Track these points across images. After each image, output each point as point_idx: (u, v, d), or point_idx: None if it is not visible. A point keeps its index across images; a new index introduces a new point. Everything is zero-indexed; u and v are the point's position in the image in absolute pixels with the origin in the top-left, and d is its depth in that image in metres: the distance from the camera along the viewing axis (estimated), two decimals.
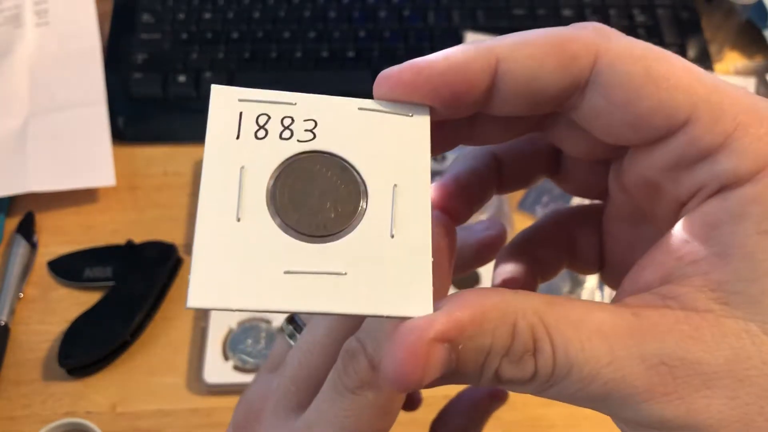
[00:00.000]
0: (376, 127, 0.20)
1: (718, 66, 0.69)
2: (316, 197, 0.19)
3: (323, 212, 0.19)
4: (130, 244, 0.57)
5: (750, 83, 0.65)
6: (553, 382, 0.18)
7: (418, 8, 0.70)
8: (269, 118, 0.20)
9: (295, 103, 0.20)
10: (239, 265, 0.18)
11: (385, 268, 0.18)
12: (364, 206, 0.19)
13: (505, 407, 0.33)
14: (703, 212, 0.19)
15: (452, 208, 0.24)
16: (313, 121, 0.20)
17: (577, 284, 0.56)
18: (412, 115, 0.20)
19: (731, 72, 0.69)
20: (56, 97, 0.63)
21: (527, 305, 0.18)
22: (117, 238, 0.58)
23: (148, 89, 0.66)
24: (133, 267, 0.56)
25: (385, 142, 0.19)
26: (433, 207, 0.21)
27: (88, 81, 0.64)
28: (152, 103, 0.66)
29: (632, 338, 0.18)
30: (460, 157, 0.26)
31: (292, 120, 0.20)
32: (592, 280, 0.56)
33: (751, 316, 0.17)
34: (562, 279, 0.56)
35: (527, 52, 0.19)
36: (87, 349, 0.52)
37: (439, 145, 0.22)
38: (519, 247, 0.27)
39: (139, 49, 0.68)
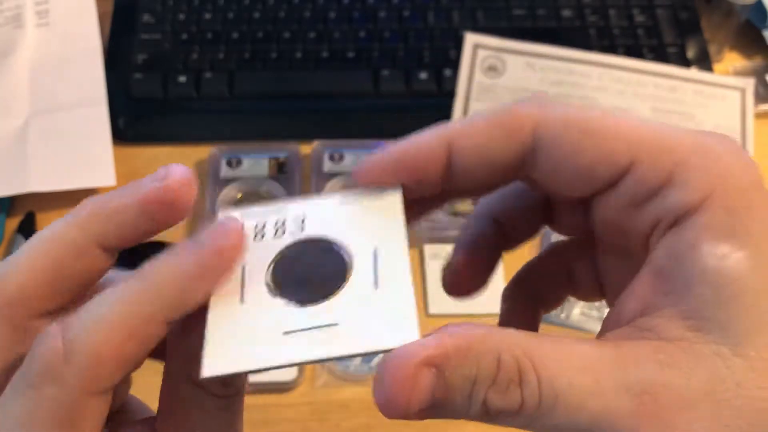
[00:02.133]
0: (357, 210, 0.23)
1: (717, 66, 0.69)
2: (307, 272, 0.22)
3: (314, 282, 0.22)
4: None
5: (749, 83, 0.65)
6: (541, 413, 0.19)
7: (417, 9, 0.71)
8: (265, 224, 0.24)
9: (287, 209, 0.24)
10: (244, 336, 0.21)
11: (373, 312, 0.21)
12: (350, 271, 0.22)
13: None
14: (665, 245, 0.20)
15: (468, 282, 0.27)
16: (302, 218, 0.23)
17: None
18: (384, 194, 0.23)
19: (730, 72, 0.69)
20: (57, 98, 0.64)
21: (512, 339, 0.19)
22: None
23: (149, 89, 0.66)
24: (133, 267, 0.56)
25: (364, 219, 0.23)
26: (451, 282, 0.27)
27: (89, 81, 0.64)
28: (152, 104, 0.66)
29: (616, 369, 0.19)
30: (464, 229, 0.27)
31: (284, 222, 0.23)
32: None
33: (722, 339, 0.19)
34: None
35: (475, 129, 0.22)
36: None
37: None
38: (520, 283, 0.29)
39: (139, 50, 0.68)
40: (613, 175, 0.21)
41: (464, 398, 0.19)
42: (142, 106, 0.66)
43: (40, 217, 0.59)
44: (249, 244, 0.23)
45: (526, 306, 0.28)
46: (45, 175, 0.59)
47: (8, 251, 0.57)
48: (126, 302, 0.21)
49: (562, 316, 0.55)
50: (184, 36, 0.69)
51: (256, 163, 0.61)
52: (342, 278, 0.21)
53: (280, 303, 0.21)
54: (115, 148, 0.61)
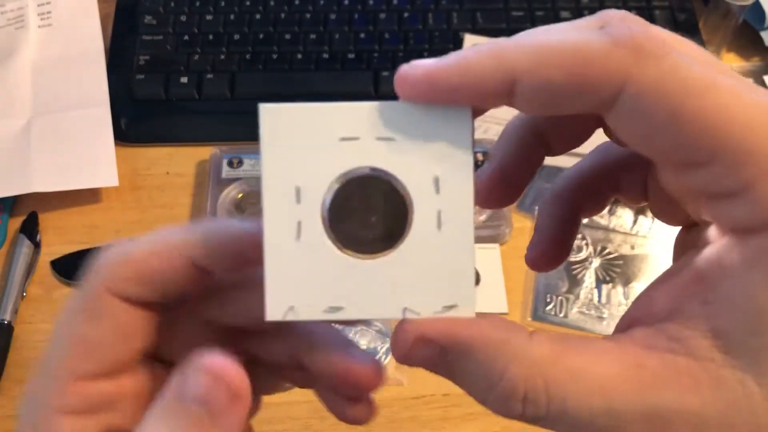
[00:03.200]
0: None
1: None
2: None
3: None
4: None
5: None
6: (545, 423, 0.20)
7: (417, 10, 0.71)
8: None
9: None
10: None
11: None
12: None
13: None
14: (718, 251, 0.19)
15: (500, 196, 0.25)
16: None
17: (575, 284, 0.57)
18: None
19: None
20: (59, 98, 0.64)
21: (530, 354, 0.19)
22: (119, 237, 0.59)
23: (151, 90, 0.66)
24: None
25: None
26: (479, 198, 0.24)
27: (91, 82, 0.65)
28: (154, 104, 0.66)
29: (633, 392, 0.19)
30: (505, 135, 0.25)
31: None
32: (589, 279, 0.57)
33: (748, 367, 0.18)
34: (560, 278, 0.57)
35: (546, 75, 0.19)
36: None
37: (528, 164, 0.24)
38: (564, 190, 0.27)
39: (141, 51, 0.68)
40: (688, 164, 0.19)
41: (466, 384, 0.20)
42: (144, 106, 0.66)
43: (42, 218, 0.60)
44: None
45: (567, 213, 0.26)
46: (48, 175, 0.60)
47: (11, 251, 0.58)
48: (154, 236, 0.23)
49: (561, 315, 0.55)
50: (186, 37, 0.69)
51: (257, 163, 0.62)
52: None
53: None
54: (118, 149, 0.62)
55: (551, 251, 0.26)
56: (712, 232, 0.20)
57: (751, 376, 0.18)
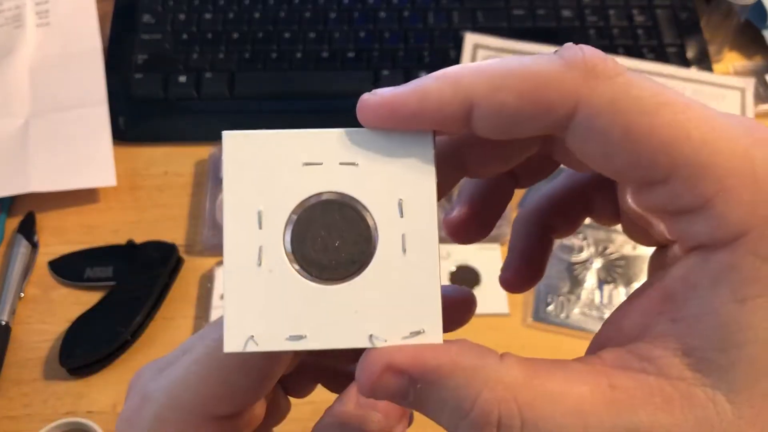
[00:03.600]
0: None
1: (717, 66, 0.69)
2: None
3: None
4: (130, 244, 0.58)
5: (749, 83, 0.66)
6: None
7: (418, 9, 0.71)
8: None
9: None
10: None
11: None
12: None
13: None
14: (684, 269, 0.19)
15: (471, 233, 0.25)
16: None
17: (577, 284, 0.56)
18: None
19: (730, 72, 0.69)
20: (57, 98, 0.64)
21: (503, 378, 0.19)
22: (118, 238, 0.58)
23: (149, 89, 0.66)
24: (134, 267, 0.56)
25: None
26: (451, 235, 0.25)
27: (89, 81, 0.64)
28: (153, 104, 0.66)
29: (607, 413, 0.19)
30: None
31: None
32: (591, 280, 0.57)
33: (718, 384, 0.18)
34: (561, 279, 0.57)
35: (502, 98, 0.19)
36: (88, 349, 0.52)
37: (439, 189, 0.23)
38: (534, 212, 0.27)
39: (139, 50, 0.68)
40: (647, 182, 0.19)
41: (436, 415, 0.20)
42: (143, 106, 0.66)
43: (40, 217, 0.60)
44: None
45: (540, 233, 0.26)
46: (45, 175, 0.59)
47: (8, 252, 0.57)
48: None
49: (562, 315, 0.55)
50: (185, 36, 0.69)
51: None
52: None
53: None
54: (116, 148, 0.61)
55: (524, 272, 0.26)
56: (678, 249, 0.20)
57: (722, 393, 0.18)
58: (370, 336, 0.20)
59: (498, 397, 0.19)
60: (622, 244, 0.58)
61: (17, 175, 0.59)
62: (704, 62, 0.68)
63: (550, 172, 0.26)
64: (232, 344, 0.20)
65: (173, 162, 0.63)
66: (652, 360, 0.19)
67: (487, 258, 0.57)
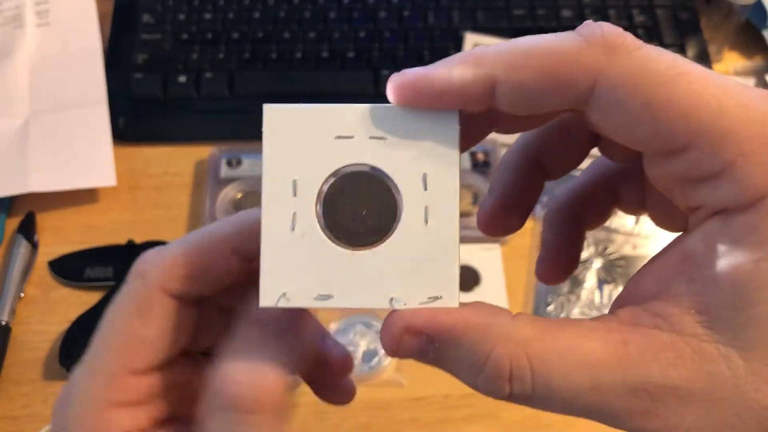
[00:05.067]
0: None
1: (717, 66, 0.69)
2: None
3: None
4: (130, 244, 0.58)
5: (749, 83, 0.65)
6: (534, 402, 0.20)
7: (418, 9, 0.71)
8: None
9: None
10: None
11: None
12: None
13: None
14: (704, 231, 0.20)
15: (504, 225, 0.26)
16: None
17: (577, 284, 0.56)
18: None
19: (730, 72, 0.69)
20: (57, 98, 0.64)
21: (514, 335, 0.20)
22: (118, 238, 0.58)
23: (149, 89, 0.66)
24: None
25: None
26: (484, 228, 0.26)
27: (89, 81, 0.64)
28: (153, 104, 0.66)
29: (618, 366, 0.19)
30: (503, 166, 0.26)
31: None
32: (591, 280, 0.57)
33: (732, 342, 0.19)
34: None
35: (522, 77, 0.20)
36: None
37: (468, 140, 0.24)
38: (563, 206, 0.27)
39: (139, 50, 0.68)
40: (668, 150, 0.20)
41: (455, 371, 0.21)
42: (143, 106, 0.66)
43: (40, 217, 0.60)
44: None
45: (571, 226, 0.27)
46: (45, 175, 0.59)
47: (8, 251, 0.57)
48: (198, 233, 0.25)
49: (563, 315, 0.55)
50: (185, 36, 0.69)
51: (256, 163, 0.61)
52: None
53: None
54: (116, 148, 0.61)
55: (559, 264, 0.27)
56: (700, 216, 0.20)
57: (735, 351, 0.19)
58: (391, 299, 0.22)
59: (509, 352, 0.20)
60: (622, 244, 0.58)
61: (17, 175, 0.59)
62: (704, 62, 0.68)
63: (578, 162, 0.26)
64: (267, 299, 0.22)
65: (173, 162, 0.63)
66: (667, 317, 0.20)
67: (487, 258, 0.57)
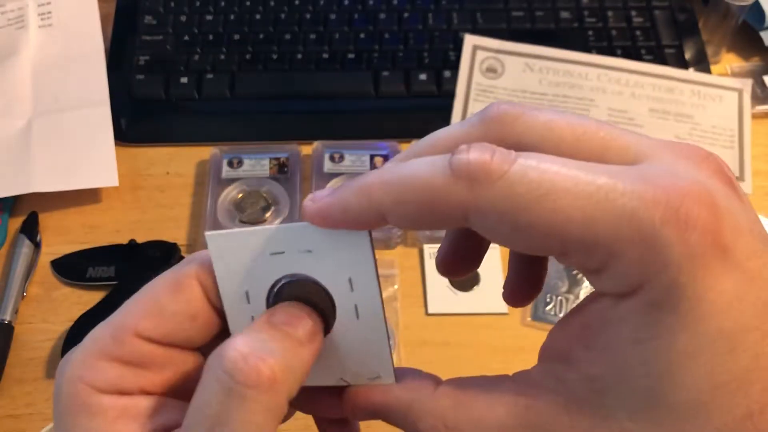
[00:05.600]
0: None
1: (714, 67, 0.69)
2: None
3: None
4: (132, 244, 0.58)
5: (747, 84, 0.66)
6: None
7: (417, 10, 0.71)
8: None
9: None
10: None
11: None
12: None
13: None
14: (600, 307, 0.22)
15: (458, 270, 0.29)
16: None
17: (575, 284, 0.57)
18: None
19: (728, 73, 0.69)
20: (59, 98, 0.64)
21: (434, 408, 0.24)
22: (120, 237, 0.59)
23: (151, 90, 0.66)
24: (136, 266, 0.56)
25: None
26: (443, 271, 0.29)
27: (91, 82, 0.65)
28: (154, 104, 0.66)
29: (522, 430, 0.23)
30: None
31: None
32: None
33: (620, 407, 0.21)
34: (560, 278, 0.57)
35: (404, 210, 0.22)
36: None
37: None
38: None
39: (141, 51, 0.68)
40: (552, 255, 0.22)
41: (403, 429, 0.25)
42: (144, 106, 0.66)
43: (42, 218, 0.60)
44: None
45: (532, 256, 0.28)
46: (48, 175, 0.60)
47: (11, 251, 0.58)
48: None
49: (561, 315, 0.55)
50: (186, 37, 0.69)
51: (257, 164, 0.62)
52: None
53: None
54: (118, 149, 0.62)
55: (522, 290, 0.29)
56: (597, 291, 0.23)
57: (623, 414, 0.21)
58: (340, 378, 0.26)
59: (429, 425, 0.24)
60: None
61: (20, 175, 0.59)
62: (702, 63, 0.69)
63: None
64: None
65: (175, 162, 0.64)
66: (565, 382, 0.23)
67: (487, 258, 0.57)
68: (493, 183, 0.21)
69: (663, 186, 0.20)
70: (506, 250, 0.27)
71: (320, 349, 0.25)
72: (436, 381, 0.25)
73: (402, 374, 0.26)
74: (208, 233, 0.25)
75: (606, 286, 0.21)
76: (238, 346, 0.22)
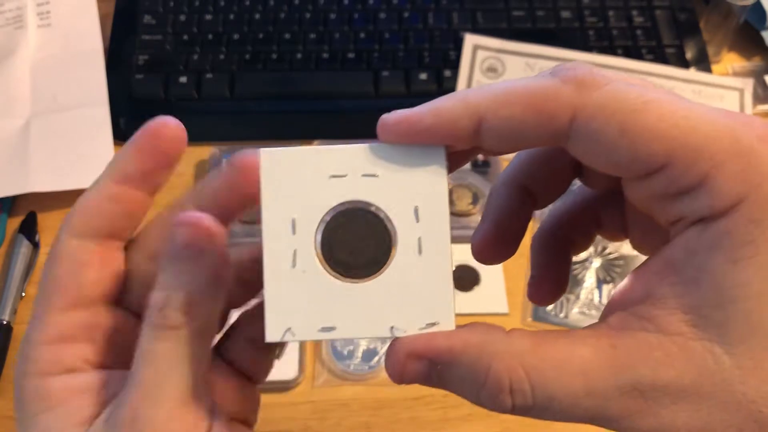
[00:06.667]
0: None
1: (715, 67, 0.69)
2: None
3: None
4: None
5: (748, 84, 0.66)
6: (535, 412, 0.21)
7: (417, 10, 0.71)
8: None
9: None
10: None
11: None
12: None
13: None
14: (684, 239, 0.21)
15: (493, 254, 0.27)
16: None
17: (576, 284, 0.57)
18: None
19: (729, 73, 0.69)
20: (58, 98, 0.64)
21: (510, 349, 0.22)
22: None
23: (150, 90, 0.66)
24: None
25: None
26: (478, 256, 0.27)
27: (90, 82, 0.64)
28: (154, 104, 0.66)
29: (610, 370, 0.21)
30: (491, 197, 0.28)
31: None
32: (590, 280, 0.57)
33: (715, 338, 0.20)
34: None
35: (507, 112, 0.22)
36: None
37: (456, 162, 0.25)
38: (549, 231, 0.29)
39: (140, 51, 0.68)
40: (647, 171, 0.21)
41: (459, 390, 0.23)
42: (144, 106, 0.66)
43: (41, 218, 0.60)
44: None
45: (558, 249, 0.29)
46: (46, 175, 0.59)
47: (10, 251, 0.57)
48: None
49: (562, 315, 0.55)
50: (185, 37, 0.69)
51: None
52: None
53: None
54: (117, 149, 0.61)
55: (548, 287, 0.28)
56: (679, 227, 0.22)
57: (720, 347, 0.20)
58: (392, 327, 0.23)
59: (507, 366, 0.21)
60: (621, 243, 0.58)
61: (18, 175, 0.59)
62: (703, 63, 0.69)
63: (563, 191, 0.28)
64: (273, 335, 0.23)
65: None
66: (652, 319, 0.21)
67: None
68: (602, 87, 0.21)
69: (751, 118, 0.21)
70: None
71: (217, 261, 0.23)
72: (501, 326, 0.23)
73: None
74: (264, 149, 0.23)
75: (701, 204, 0.20)
76: (155, 296, 0.23)
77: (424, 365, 0.22)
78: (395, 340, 0.23)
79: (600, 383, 0.21)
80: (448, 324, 0.23)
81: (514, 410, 0.22)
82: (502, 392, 0.21)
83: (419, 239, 0.23)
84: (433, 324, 0.23)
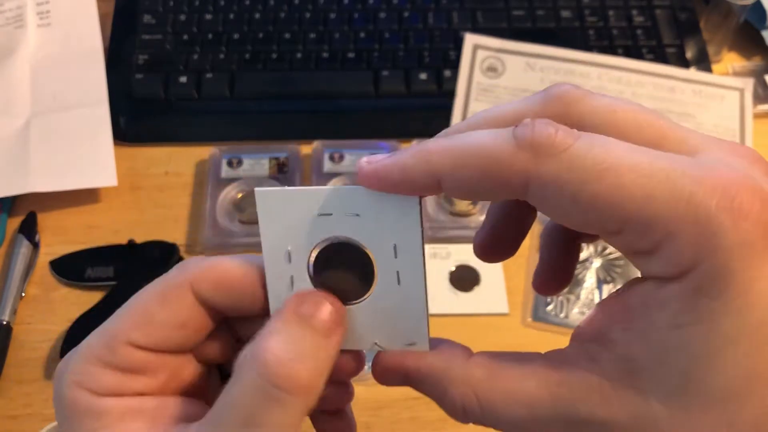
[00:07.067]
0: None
1: (716, 67, 0.69)
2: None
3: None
4: (131, 244, 0.58)
5: (748, 84, 0.66)
6: (484, 424, 0.25)
7: (417, 9, 0.71)
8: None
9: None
10: None
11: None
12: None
13: None
14: (643, 290, 0.22)
15: (495, 253, 0.29)
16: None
17: (576, 284, 0.57)
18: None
19: (729, 72, 0.69)
20: (58, 98, 0.64)
21: (465, 377, 0.24)
22: (119, 237, 0.59)
23: (150, 90, 0.66)
24: (135, 267, 0.56)
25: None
26: (480, 255, 0.29)
27: (90, 81, 0.64)
28: (153, 104, 0.66)
29: (552, 404, 0.23)
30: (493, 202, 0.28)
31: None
32: (590, 280, 0.57)
33: (654, 389, 0.21)
34: None
35: (462, 175, 0.23)
36: None
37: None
38: (560, 224, 0.29)
39: (140, 50, 0.68)
40: (603, 234, 0.22)
41: (429, 396, 0.26)
42: (144, 106, 0.66)
43: (41, 218, 0.60)
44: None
45: (565, 241, 0.29)
46: (46, 175, 0.59)
47: (10, 251, 0.57)
48: (242, 256, 0.28)
49: (562, 315, 0.55)
50: (185, 37, 0.69)
51: (256, 163, 0.62)
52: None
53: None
54: (117, 149, 0.61)
55: (554, 277, 0.29)
56: (645, 273, 0.23)
57: (656, 397, 0.21)
58: (375, 343, 0.26)
59: (461, 393, 0.24)
60: None
61: (18, 175, 0.59)
62: (703, 63, 0.69)
63: None
64: None
65: (174, 162, 0.63)
66: (600, 361, 0.23)
67: None
68: (557, 154, 0.21)
69: (720, 175, 0.20)
70: None
71: (344, 337, 0.25)
72: (468, 352, 0.26)
73: (435, 343, 0.26)
74: (258, 189, 0.25)
75: (655, 268, 0.21)
76: (275, 350, 0.23)
77: (400, 377, 0.26)
78: (378, 353, 0.26)
79: (542, 412, 0.23)
80: (423, 345, 0.26)
81: (466, 422, 0.25)
82: (455, 411, 0.25)
83: (397, 272, 0.25)
84: (411, 344, 0.26)
